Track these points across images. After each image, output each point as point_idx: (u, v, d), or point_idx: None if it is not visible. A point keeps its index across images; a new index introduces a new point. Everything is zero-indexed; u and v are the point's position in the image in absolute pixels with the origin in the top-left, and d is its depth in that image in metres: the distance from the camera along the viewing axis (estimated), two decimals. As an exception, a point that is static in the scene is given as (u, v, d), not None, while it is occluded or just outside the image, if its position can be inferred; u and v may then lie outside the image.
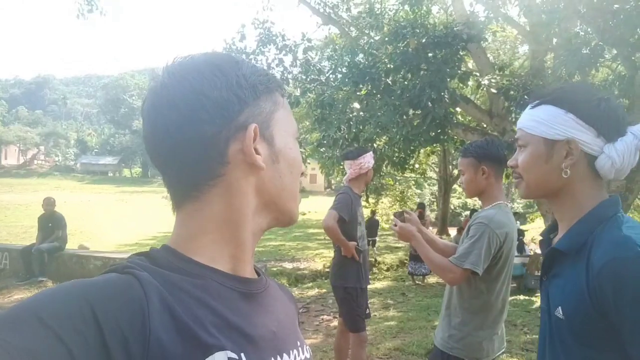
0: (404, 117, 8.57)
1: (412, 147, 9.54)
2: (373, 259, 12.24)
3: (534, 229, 18.22)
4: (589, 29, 9.10)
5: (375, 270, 11.52)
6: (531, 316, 5.93)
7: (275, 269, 10.78)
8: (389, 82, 8.87)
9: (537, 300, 6.90)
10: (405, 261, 11.49)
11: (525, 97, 8.62)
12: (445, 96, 8.38)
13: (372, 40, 10.21)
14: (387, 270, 11.95)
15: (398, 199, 22.24)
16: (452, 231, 18.62)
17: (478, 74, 9.67)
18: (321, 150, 11.10)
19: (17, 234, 15.31)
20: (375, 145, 10.14)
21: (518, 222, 14.73)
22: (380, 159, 10.11)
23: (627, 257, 0.89)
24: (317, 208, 25.68)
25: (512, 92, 8.63)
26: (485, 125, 10.94)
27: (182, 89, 0.63)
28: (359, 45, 10.43)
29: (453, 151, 17.50)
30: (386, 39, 9.63)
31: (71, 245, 9.16)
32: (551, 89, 1.09)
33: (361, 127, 9.42)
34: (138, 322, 0.52)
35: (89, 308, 0.50)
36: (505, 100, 9.07)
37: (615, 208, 1.02)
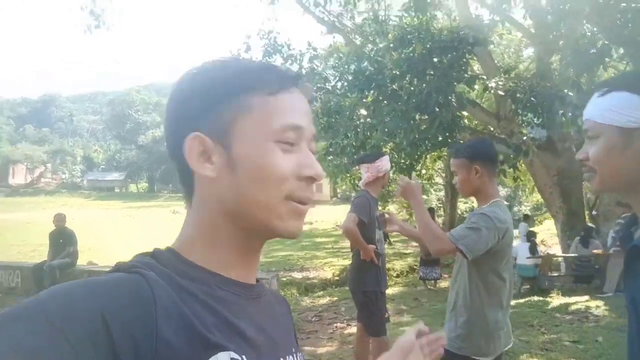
0: (412, 122, 8.56)
1: (419, 153, 9.53)
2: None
3: (543, 231, 18.07)
4: (595, 29, 9.08)
5: (385, 277, 11.40)
6: (547, 316, 5.86)
7: (285, 278, 10.73)
8: (396, 88, 8.87)
9: (552, 301, 6.82)
10: (415, 267, 11.41)
11: (532, 99, 8.61)
12: (453, 100, 8.37)
13: (378, 47, 10.23)
14: (397, 276, 11.86)
15: (405, 205, 22.15)
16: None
17: (485, 77, 9.67)
18: (328, 158, 11.10)
19: (26, 253, 15.32)
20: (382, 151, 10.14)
21: (527, 224, 14.65)
22: (388, 165, 10.09)
23: None
24: (323, 217, 25.59)
25: (518, 95, 8.61)
26: (492, 129, 10.92)
27: (169, 100, 0.69)
28: (364, 53, 10.46)
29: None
30: (391, 45, 9.65)
31: (80, 262, 9.15)
32: (620, 75, 1.00)
33: (369, 134, 9.42)
34: (146, 322, 0.52)
35: (97, 308, 0.50)
36: (512, 103, 9.05)
37: None
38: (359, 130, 9.46)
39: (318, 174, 0.65)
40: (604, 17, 7.99)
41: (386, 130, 8.58)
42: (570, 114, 8.71)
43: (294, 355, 0.72)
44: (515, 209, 33.64)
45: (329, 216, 25.04)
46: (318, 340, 5.69)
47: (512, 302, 6.99)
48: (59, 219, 8.43)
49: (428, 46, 8.44)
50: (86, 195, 65.19)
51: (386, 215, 2.76)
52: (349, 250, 4.18)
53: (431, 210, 11.31)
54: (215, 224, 0.65)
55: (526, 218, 15.10)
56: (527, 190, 24.11)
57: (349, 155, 9.99)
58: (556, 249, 10.70)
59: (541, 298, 7.11)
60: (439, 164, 20.18)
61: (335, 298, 7.94)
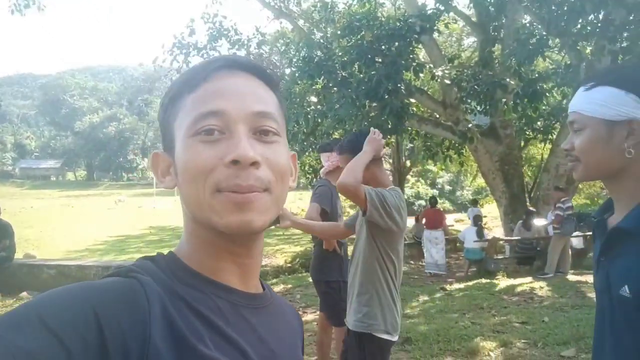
0: (362, 109, 8.63)
1: (369, 140, 9.62)
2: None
3: (486, 214, 18.83)
4: (534, 21, 9.45)
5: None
6: (495, 298, 6.12)
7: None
8: (345, 75, 8.90)
9: (498, 283, 7.14)
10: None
11: (476, 87, 8.88)
12: (402, 88, 8.49)
13: (327, 34, 10.20)
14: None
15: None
16: (408, 220, 18.97)
17: (432, 65, 9.86)
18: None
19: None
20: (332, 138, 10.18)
21: (479, 207, 15.22)
22: (337, 152, 10.16)
23: None
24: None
25: (463, 83, 8.85)
26: (438, 116, 11.20)
27: None
28: (312, 39, 10.40)
29: (407, 142, 17.83)
30: (338, 32, 9.65)
31: (18, 255, 8.66)
32: (606, 70, 1.09)
33: (319, 121, 9.42)
34: (140, 329, 0.51)
35: (92, 313, 0.50)
36: (457, 91, 9.30)
37: None
38: (309, 117, 9.44)
39: (240, 154, 0.58)
40: (542, 8, 8.32)
41: (337, 117, 8.60)
42: (512, 102, 9.06)
43: None
44: (458, 193, 34.94)
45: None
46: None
47: (462, 285, 7.30)
48: (-8, 210, 7.89)
49: (377, 33, 8.50)
50: (19, 185, 61.84)
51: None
52: (300, 237, 4.15)
53: (433, 200, 11.59)
54: (191, 229, 0.65)
55: (474, 202, 15.71)
56: (468, 175, 25.04)
57: (300, 142, 9.96)
58: (498, 232, 11.18)
59: (488, 280, 7.42)
60: (386, 150, 20.54)
61: (290, 285, 7.94)
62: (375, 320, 2.29)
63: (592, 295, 6.08)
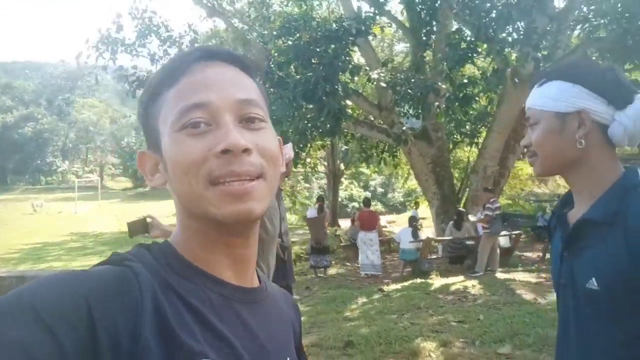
0: (299, 110, 8.56)
1: (305, 141, 9.58)
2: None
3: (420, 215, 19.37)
4: (464, 28, 9.81)
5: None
6: (431, 298, 6.23)
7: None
8: (282, 75, 8.79)
9: (433, 282, 7.29)
10: (302, 255, 11.52)
11: (409, 90, 9.07)
12: (339, 89, 8.51)
13: (262, 34, 10.04)
14: (285, 266, 11.88)
15: (288, 194, 22.33)
16: (342, 222, 19.13)
17: (368, 68, 9.97)
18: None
19: None
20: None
21: (414, 210, 15.63)
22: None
23: None
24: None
25: (397, 87, 9.01)
26: (373, 118, 11.36)
27: None
28: (246, 39, 10.20)
29: (341, 145, 17.98)
30: (274, 32, 9.53)
31: None
32: (555, 67, 1.15)
33: (255, 122, 9.23)
34: (131, 321, 0.51)
35: (84, 303, 0.49)
36: (392, 94, 9.45)
37: (638, 176, 1.07)
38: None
39: (230, 143, 0.58)
40: (472, 15, 8.65)
41: (273, 117, 8.45)
42: (444, 106, 9.34)
43: None
44: (390, 195, 35.81)
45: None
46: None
47: (398, 286, 7.38)
48: None
49: (313, 35, 8.46)
50: None
51: (148, 220, 2.67)
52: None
53: (321, 199, 11.51)
54: (186, 223, 0.65)
55: (417, 205, 16.17)
56: (400, 178, 25.74)
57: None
58: (429, 232, 11.47)
59: (423, 280, 7.56)
60: (321, 153, 20.63)
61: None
62: None
63: (521, 292, 6.37)
